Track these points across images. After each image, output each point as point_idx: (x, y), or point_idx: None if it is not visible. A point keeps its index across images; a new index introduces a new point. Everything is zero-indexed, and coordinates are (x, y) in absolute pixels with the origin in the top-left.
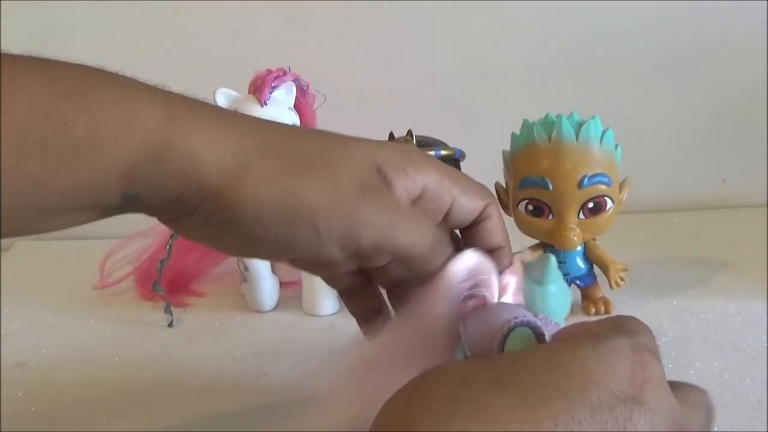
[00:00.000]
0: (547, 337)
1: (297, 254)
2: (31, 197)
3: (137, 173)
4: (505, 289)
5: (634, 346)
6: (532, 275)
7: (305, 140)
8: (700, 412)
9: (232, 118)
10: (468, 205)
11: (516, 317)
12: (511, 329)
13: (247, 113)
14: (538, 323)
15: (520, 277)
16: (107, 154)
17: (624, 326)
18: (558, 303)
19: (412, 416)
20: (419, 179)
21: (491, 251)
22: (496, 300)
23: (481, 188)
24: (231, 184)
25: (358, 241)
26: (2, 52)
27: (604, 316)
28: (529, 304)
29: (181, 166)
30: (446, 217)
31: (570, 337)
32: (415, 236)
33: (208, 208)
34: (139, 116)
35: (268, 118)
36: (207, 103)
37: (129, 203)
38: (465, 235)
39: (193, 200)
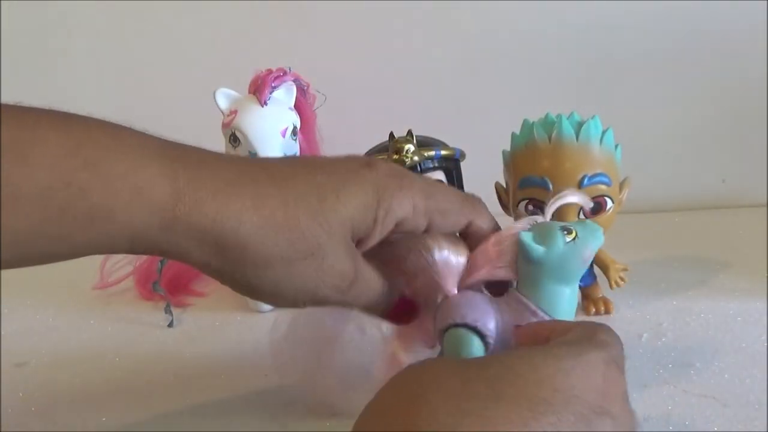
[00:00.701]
0: None
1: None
2: (47, 249)
3: (145, 238)
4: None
5: (606, 359)
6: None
7: (300, 207)
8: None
9: (235, 185)
10: (445, 226)
11: (454, 319)
12: (445, 329)
13: (247, 113)
14: (477, 324)
15: (506, 253)
16: (119, 220)
17: (597, 338)
18: (571, 304)
19: (418, 423)
20: (391, 217)
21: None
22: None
23: (464, 206)
24: (232, 259)
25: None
26: (25, 109)
27: (603, 316)
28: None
29: (184, 238)
30: (428, 230)
31: (543, 340)
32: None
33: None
34: (149, 190)
35: (268, 117)
36: (213, 165)
37: (134, 253)
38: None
39: (198, 261)
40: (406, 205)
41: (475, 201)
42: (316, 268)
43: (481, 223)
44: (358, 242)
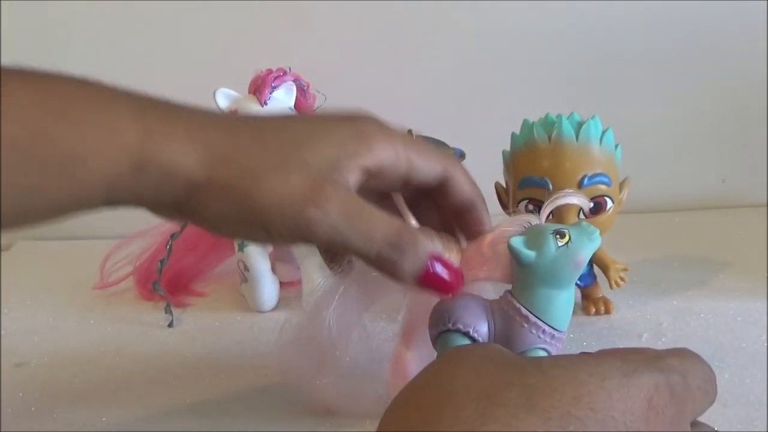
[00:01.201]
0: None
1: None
2: (21, 204)
3: (118, 184)
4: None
5: (660, 384)
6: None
7: (270, 140)
8: None
9: (204, 125)
10: (425, 168)
11: (446, 323)
12: (438, 334)
13: (247, 113)
14: (469, 329)
15: (502, 255)
16: (91, 166)
17: (663, 361)
18: (566, 308)
19: (442, 422)
20: (373, 158)
21: (465, 211)
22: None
23: (441, 154)
24: (198, 195)
25: (310, 240)
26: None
27: (603, 316)
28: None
29: (155, 178)
30: (408, 181)
31: (606, 354)
32: (363, 240)
33: (184, 213)
34: (118, 130)
35: None
36: (182, 110)
37: (111, 207)
38: (436, 198)
39: (170, 206)
40: (388, 148)
41: (452, 156)
42: (282, 179)
43: (458, 176)
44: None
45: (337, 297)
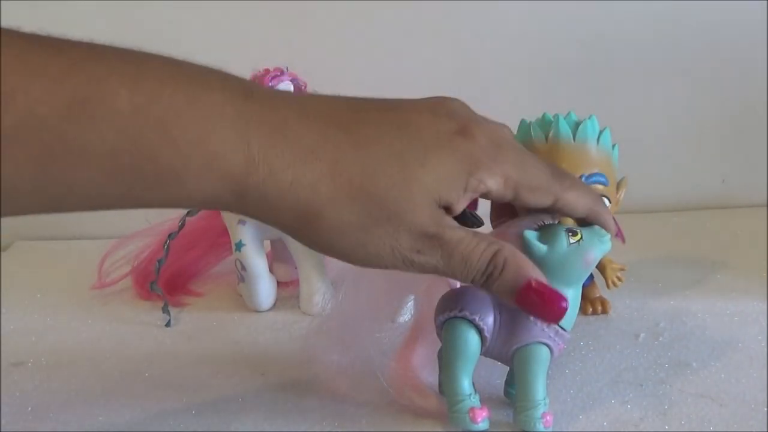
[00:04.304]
0: (556, 354)
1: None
2: (119, 204)
3: (217, 202)
4: None
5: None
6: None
7: (379, 174)
8: None
9: (313, 152)
10: (532, 201)
11: (452, 310)
12: (445, 320)
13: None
14: (475, 318)
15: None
16: (189, 186)
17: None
18: (572, 307)
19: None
20: (479, 189)
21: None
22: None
23: (552, 183)
24: (306, 225)
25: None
26: (98, 56)
27: (600, 316)
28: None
29: (258, 206)
30: (513, 202)
31: None
32: (459, 273)
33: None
34: (221, 158)
35: None
36: (293, 128)
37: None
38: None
39: (273, 225)
40: (498, 179)
41: (564, 177)
42: (392, 232)
43: (569, 200)
44: (446, 209)
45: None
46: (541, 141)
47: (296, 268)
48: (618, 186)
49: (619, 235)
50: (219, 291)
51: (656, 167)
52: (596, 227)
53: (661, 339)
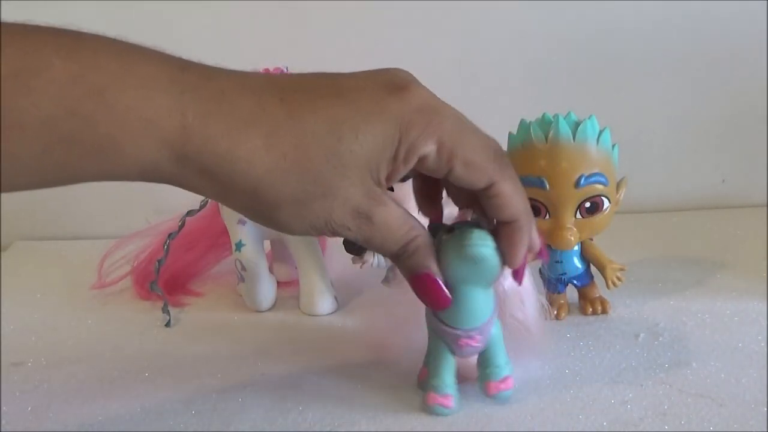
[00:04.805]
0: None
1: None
2: (58, 177)
3: (156, 171)
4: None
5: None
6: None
7: (313, 148)
8: None
9: (248, 122)
10: (467, 180)
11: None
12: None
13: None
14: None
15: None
16: (127, 153)
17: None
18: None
19: None
20: (412, 155)
21: (506, 226)
22: None
23: (490, 162)
24: (244, 197)
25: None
26: (31, 30)
27: (600, 316)
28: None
29: (195, 174)
30: (448, 178)
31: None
32: (379, 246)
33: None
34: (157, 124)
35: None
36: (229, 97)
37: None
38: (480, 198)
39: (210, 196)
40: (431, 145)
41: (507, 164)
42: (328, 207)
43: (505, 188)
44: (386, 179)
45: None
46: (541, 141)
47: (296, 268)
48: (618, 186)
49: (517, 274)
50: (219, 291)
51: (656, 167)
52: (476, 231)
53: (661, 339)
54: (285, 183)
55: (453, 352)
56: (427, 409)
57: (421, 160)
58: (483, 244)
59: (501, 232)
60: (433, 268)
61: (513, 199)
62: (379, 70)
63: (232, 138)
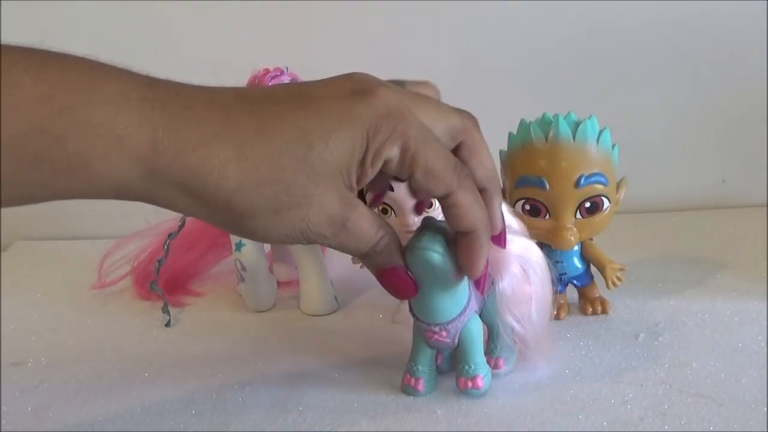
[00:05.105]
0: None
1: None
2: (33, 195)
3: (129, 188)
4: None
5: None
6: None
7: (285, 158)
8: None
9: (218, 135)
10: (425, 187)
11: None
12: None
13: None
14: None
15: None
16: (98, 170)
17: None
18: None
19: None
20: (378, 160)
21: (463, 235)
22: None
23: (449, 173)
24: (217, 210)
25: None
26: (2, 50)
27: (600, 316)
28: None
29: (168, 189)
30: (409, 184)
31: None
32: (350, 249)
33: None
34: (127, 140)
35: None
36: (197, 112)
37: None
38: (441, 206)
39: (184, 211)
40: (395, 149)
41: (466, 175)
42: (303, 216)
43: (463, 198)
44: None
45: None
46: (541, 141)
47: (296, 268)
48: (618, 186)
49: (478, 284)
50: (219, 291)
51: (656, 167)
52: (428, 235)
53: (661, 339)
54: (258, 194)
55: (427, 343)
56: (401, 388)
57: (386, 163)
58: (431, 249)
59: (459, 242)
60: (400, 262)
61: (470, 209)
62: (344, 75)
63: (203, 151)
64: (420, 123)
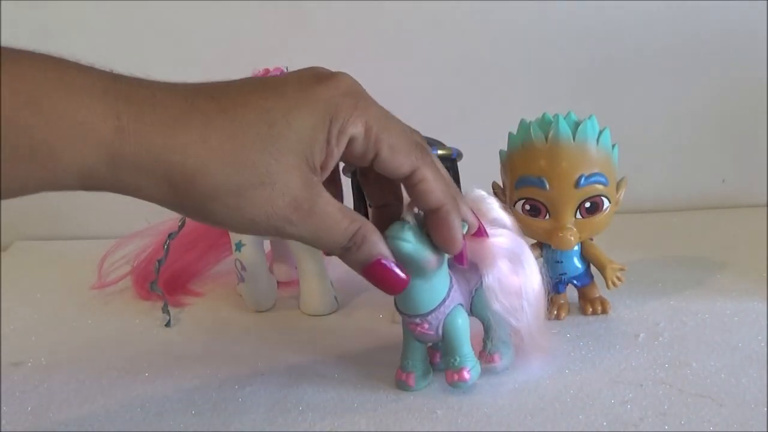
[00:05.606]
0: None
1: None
2: (5, 189)
3: (94, 176)
4: None
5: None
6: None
7: (248, 136)
8: None
9: (181, 119)
10: (390, 165)
11: None
12: None
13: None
14: None
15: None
16: (64, 158)
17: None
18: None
19: None
20: (344, 137)
21: (433, 214)
22: None
23: (413, 150)
24: (181, 192)
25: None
26: None
27: (600, 316)
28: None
29: (133, 175)
30: (374, 165)
31: None
32: (324, 244)
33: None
34: (92, 128)
35: None
36: (160, 100)
37: (90, 190)
38: (406, 188)
39: (149, 197)
40: (359, 127)
41: (427, 152)
42: (267, 197)
43: (428, 173)
44: (321, 167)
45: None
46: (541, 141)
47: (296, 268)
48: (618, 186)
49: (459, 258)
50: (219, 291)
51: (656, 167)
52: (397, 224)
53: (661, 339)
54: (221, 172)
55: (414, 337)
56: (395, 383)
57: (351, 142)
58: (400, 238)
59: (431, 221)
60: (384, 252)
61: (436, 183)
62: (305, 68)
63: (166, 133)
64: (378, 104)
